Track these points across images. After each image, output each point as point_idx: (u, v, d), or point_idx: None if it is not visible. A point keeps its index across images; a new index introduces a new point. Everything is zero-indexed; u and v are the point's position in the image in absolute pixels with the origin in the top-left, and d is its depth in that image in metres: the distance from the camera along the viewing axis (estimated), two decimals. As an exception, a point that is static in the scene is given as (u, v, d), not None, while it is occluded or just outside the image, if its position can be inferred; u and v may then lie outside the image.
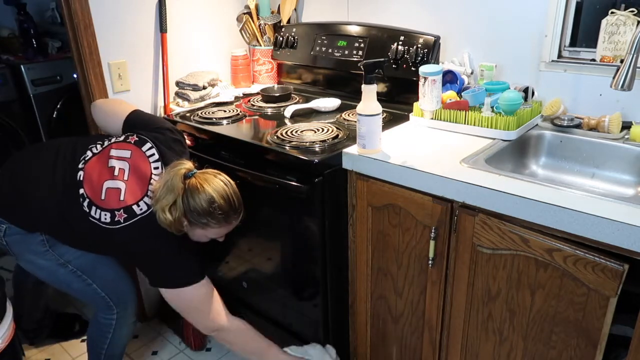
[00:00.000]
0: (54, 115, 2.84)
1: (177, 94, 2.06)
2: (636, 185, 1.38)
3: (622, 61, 1.25)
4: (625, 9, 1.44)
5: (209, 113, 1.90)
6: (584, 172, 1.48)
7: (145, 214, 1.45)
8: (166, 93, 2.05)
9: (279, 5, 2.21)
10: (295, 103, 1.98)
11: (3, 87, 2.65)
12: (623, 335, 1.14)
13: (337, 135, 1.58)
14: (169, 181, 1.40)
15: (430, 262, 1.35)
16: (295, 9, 2.21)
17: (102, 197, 1.45)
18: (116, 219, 1.44)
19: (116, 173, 1.48)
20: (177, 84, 2.06)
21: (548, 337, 1.20)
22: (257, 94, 2.13)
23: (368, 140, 1.39)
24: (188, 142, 1.80)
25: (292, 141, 1.55)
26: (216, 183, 1.44)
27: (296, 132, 1.63)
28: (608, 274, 1.03)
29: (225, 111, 1.92)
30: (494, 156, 1.38)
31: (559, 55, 1.59)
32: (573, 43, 1.59)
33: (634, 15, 1.42)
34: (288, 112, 1.84)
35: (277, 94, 2.02)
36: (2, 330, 1.53)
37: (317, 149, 1.50)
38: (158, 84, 2.05)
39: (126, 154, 1.50)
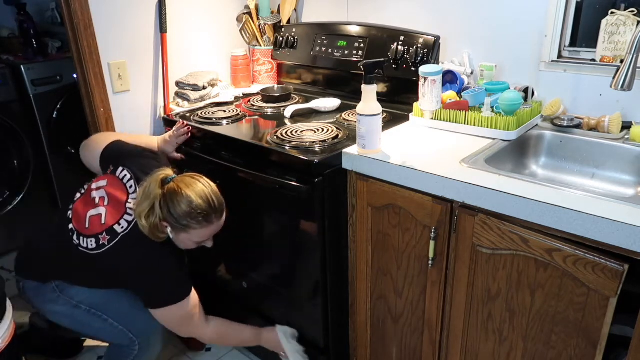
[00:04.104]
0: (54, 115, 2.83)
1: (177, 94, 2.06)
2: (636, 185, 1.38)
3: (622, 61, 1.25)
4: (625, 9, 1.44)
5: (209, 113, 1.90)
6: (584, 172, 1.48)
7: (127, 230, 1.50)
8: (166, 93, 2.05)
9: (279, 5, 2.21)
10: (295, 103, 1.98)
11: (3, 87, 2.64)
12: (623, 335, 1.14)
13: (337, 136, 1.58)
14: (147, 188, 1.45)
15: (430, 262, 1.35)
16: (295, 9, 2.21)
17: (87, 226, 1.54)
18: (101, 243, 1.51)
19: (97, 202, 1.57)
20: (177, 84, 2.06)
21: (548, 337, 1.20)
22: (257, 94, 2.12)
23: (368, 141, 1.39)
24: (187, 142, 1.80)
25: (292, 141, 1.55)
26: (194, 185, 1.46)
27: (296, 132, 1.62)
28: (608, 274, 1.03)
29: (225, 111, 1.92)
30: (493, 156, 1.38)
31: (559, 56, 1.59)
32: (573, 43, 1.59)
33: (634, 15, 1.42)
34: (288, 112, 1.84)
35: (277, 94, 2.02)
36: (2, 330, 1.52)
37: (317, 149, 1.50)
38: (158, 84, 2.05)
39: (103, 183, 1.60)
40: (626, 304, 1.07)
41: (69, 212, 1.60)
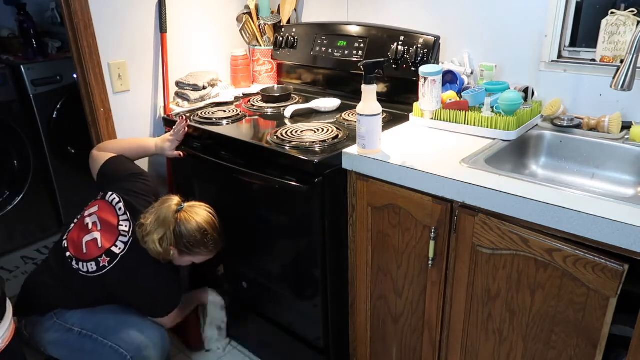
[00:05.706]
0: (54, 116, 2.83)
1: (177, 94, 2.06)
2: (636, 185, 1.38)
3: (622, 61, 1.25)
4: (625, 9, 1.44)
5: (208, 113, 1.90)
6: (583, 172, 1.48)
7: (125, 251, 1.61)
8: (166, 93, 2.05)
9: (279, 6, 2.21)
10: (295, 103, 1.98)
11: (3, 87, 2.64)
12: (623, 335, 1.14)
13: (337, 136, 1.58)
14: (160, 215, 1.55)
15: (430, 262, 1.35)
16: (295, 9, 2.21)
17: (84, 251, 1.62)
18: (101, 265, 1.60)
19: (90, 227, 1.65)
20: (177, 84, 2.06)
21: (548, 337, 1.20)
22: (257, 94, 2.12)
23: (368, 141, 1.39)
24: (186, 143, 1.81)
25: (292, 141, 1.55)
26: (204, 215, 1.60)
27: (296, 132, 1.62)
28: (608, 274, 1.03)
29: (225, 111, 1.92)
30: (493, 156, 1.38)
31: (559, 56, 1.59)
32: (573, 43, 1.59)
33: (634, 15, 1.42)
34: (288, 112, 1.84)
35: (277, 94, 2.02)
36: (2, 330, 1.52)
37: (317, 149, 1.50)
38: (158, 84, 2.05)
39: (94, 209, 1.68)
40: (626, 304, 1.07)
41: (64, 242, 1.67)
